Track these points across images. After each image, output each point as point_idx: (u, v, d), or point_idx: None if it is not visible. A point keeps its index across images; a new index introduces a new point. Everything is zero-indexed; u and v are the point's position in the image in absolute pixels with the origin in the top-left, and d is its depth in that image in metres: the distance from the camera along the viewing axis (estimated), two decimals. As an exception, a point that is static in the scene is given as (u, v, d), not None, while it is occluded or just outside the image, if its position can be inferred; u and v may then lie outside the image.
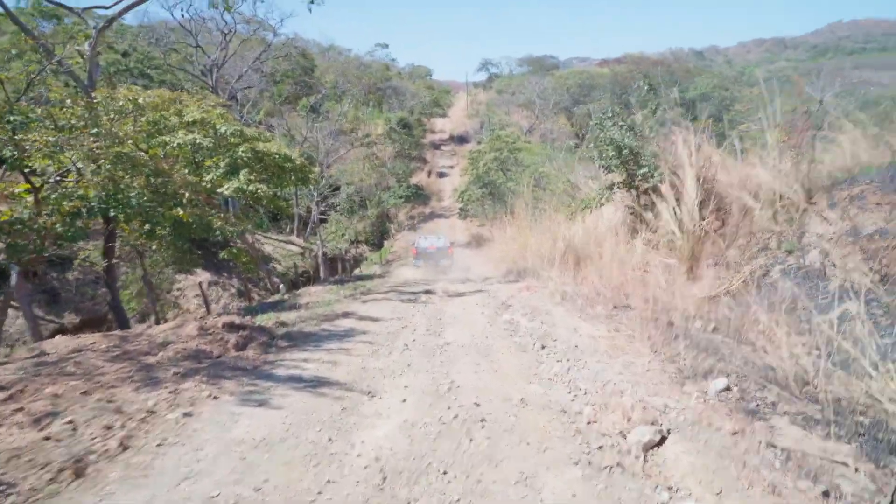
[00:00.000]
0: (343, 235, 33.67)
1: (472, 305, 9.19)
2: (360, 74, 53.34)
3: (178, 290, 26.85)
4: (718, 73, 62.56)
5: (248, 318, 7.64)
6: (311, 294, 11.97)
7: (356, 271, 28.72)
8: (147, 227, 8.35)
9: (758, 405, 3.25)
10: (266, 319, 8.27)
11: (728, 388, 3.55)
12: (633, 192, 9.99)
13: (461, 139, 61.67)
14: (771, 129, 7.98)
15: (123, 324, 10.62)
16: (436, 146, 60.56)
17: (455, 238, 31.47)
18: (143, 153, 9.12)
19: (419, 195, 43.18)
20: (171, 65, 29.37)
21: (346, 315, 8.86)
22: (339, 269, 27.04)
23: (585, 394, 4.08)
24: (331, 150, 30.47)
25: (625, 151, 9.36)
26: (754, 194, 7.71)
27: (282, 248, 31.62)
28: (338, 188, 35.31)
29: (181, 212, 8.42)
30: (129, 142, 8.64)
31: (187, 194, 8.76)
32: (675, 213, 8.03)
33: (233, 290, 27.15)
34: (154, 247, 11.02)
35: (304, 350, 6.28)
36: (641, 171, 9.17)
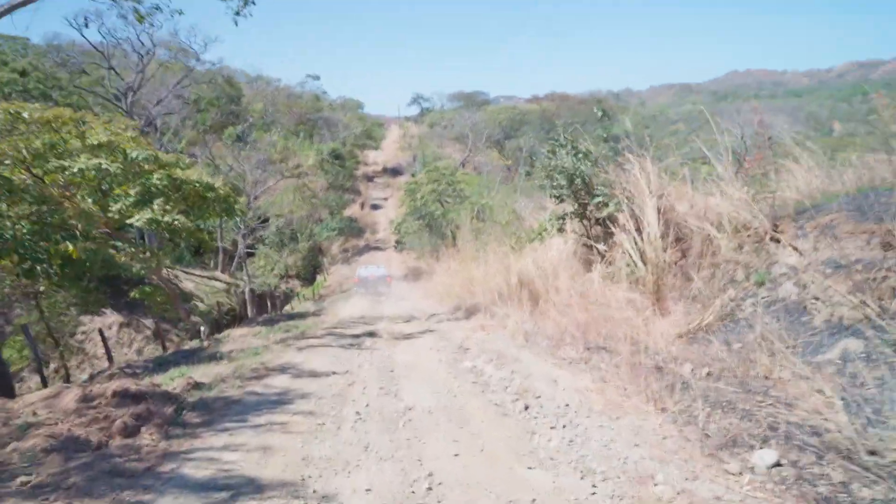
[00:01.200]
0: (272, 270, 31.86)
1: (425, 350, 8.16)
2: (290, 104, 51.97)
3: (84, 333, 24.18)
4: (637, 112, 66.14)
5: (150, 380, 6.33)
6: (236, 339, 10.59)
7: (287, 308, 27.03)
8: (27, 264, 6.88)
9: (830, 489, 2.60)
10: (175, 379, 6.90)
11: (779, 464, 2.90)
12: (586, 222, 9.58)
13: (394, 171, 61.36)
14: (724, 159, 7.76)
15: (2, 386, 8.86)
16: (369, 178, 59.83)
17: (392, 271, 30.53)
18: (25, 177, 7.70)
19: (353, 228, 42.02)
20: (80, 87, 27.02)
21: (278, 370, 7.46)
22: (268, 306, 25.30)
23: (605, 480, 3.19)
24: (259, 180, 28.92)
25: (577, 180, 8.93)
26: (716, 224, 7.39)
27: (205, 285, 29.37)
28: (266, 220, 33.57)
29: (70, 247, 7.03)
30: (7, 162, 7.24)
31: (80, 226, 7.39)
32: (635, 244, 7.57)
33: (148, 333, 24.71)
34: (42, 288, 9.37)
35: (223, 429, 4.76)
36: (595, 201, 8.75)
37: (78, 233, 7.27)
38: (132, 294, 14.90)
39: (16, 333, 19.69)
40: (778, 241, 6.75)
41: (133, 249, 14.41)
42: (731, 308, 6.49)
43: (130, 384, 4.79)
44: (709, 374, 4.42)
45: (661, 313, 7.14)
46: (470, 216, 17.90)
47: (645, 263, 7.46)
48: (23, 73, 25.87)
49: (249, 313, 24.41)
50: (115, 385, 4.67)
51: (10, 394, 8.63)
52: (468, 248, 14.09)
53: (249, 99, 54.66)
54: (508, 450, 4.00)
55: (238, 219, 26.14)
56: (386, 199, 53.70)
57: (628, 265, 8.03)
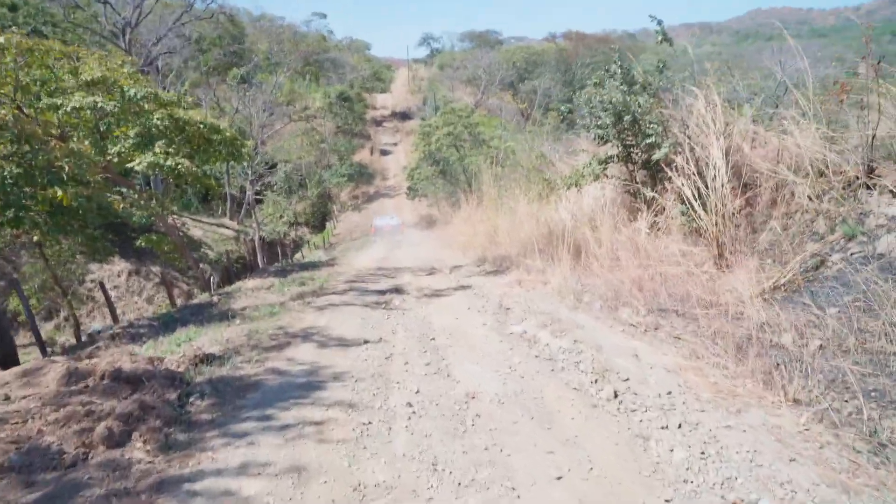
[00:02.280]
0: (281, 217, 31.10)
1: (462, 310, 7.15)
2: (296, 43, 49.77)
3: (93, 281, 23.84)
4: (658, 51, 63.01)
5: (150, 351, 5.58)
6: (249, 293, 9.84)
7: (297, 256, 26.46)
8: (10, 212, 6.07)
9: None
10: (181, 345, 6.11)
11: None
12: (630, 166, 8.64)
13: (404, 115, 59.53)
14: (807, 92, 6.72)
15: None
16: (378, 123, 58.10)
17: (405, 219, 29.75)
18: (4, 113, 6.81)
19: (363, 174, 40.92)
20: (75, 22, 25.51)
21: (300, 337, 6.41)
22: (278, 254, 24.70)
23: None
24: (265, 124, 27.73)
25: (626, 118, 7.93)
26: (793, 168, 6.44)
27: (213, 232, 28.78)
28: (274, 166, 32.56)
29: (59, 192, 6.21)
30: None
31: (69, 168, 6.57)
32: (697, 190, 6.67)
33: (157, 280, 24.36)
34: (35, 237, 8.66)
35: (239, 433, 3.69)
36: (646, 141, 7.77)
37: (65, 176, 6.45)
38: (138, 242, 14.20)
39: (25, 281, 19.30)
40: (871, 187, 5.85)
41: (136, 196, 13.65)
42: (813, 264, 5.67)
43: (125, 361, 4.02)
44: (821, 347, 3.65)
45: (724, 269, 6.34)
46: (491, 161, 16.88)
47: (707, 212, 6.58)
48: (12, 8, 24.35)
49: (260, 262, 23.87)
50: (106, 363, 3.91)
51: (15, 362, 8.08)
52: (490, 195, 13.17)
53: (253, 39, 52.44)
54: (624, 468, 3.06)
55: (245, 163, 25.19)
56: (395, 144, 52.24)
57: (684, 214, 7.16)
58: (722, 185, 6.45)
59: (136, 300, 23.95)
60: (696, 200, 6.67)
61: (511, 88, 55.02)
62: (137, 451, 3.18)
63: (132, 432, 3.29)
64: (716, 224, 6.47)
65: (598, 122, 8.26)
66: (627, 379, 3.80)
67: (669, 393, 3.47)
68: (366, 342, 6.10)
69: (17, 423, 3.00)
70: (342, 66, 57.52)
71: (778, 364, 3.47)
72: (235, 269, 25.69)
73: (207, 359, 5.19)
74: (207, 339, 6.39)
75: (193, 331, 7.05)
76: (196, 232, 27.98)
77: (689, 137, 7.03)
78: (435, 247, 17.09)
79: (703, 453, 3.03)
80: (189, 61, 43.67)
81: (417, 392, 4.43)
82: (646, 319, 5.04)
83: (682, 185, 6.88)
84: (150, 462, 3.14)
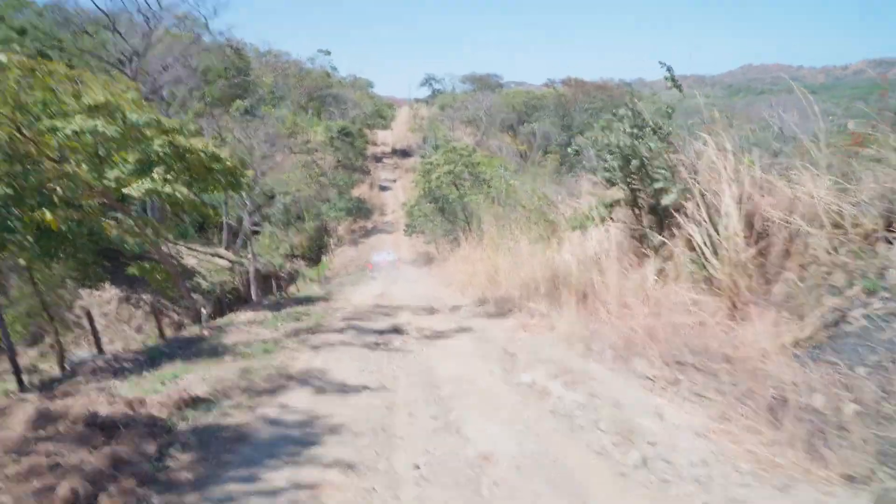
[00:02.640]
0: (278, 249, 30.87)
1: (466, 355, 6.82)
2: (300, 78, 50.60)
3: (81, 307, 23.34)
4: (654, 101, 64.37)
5: (132, 392, 5.08)
6: (241, 326, 9.45)
7: (292, 289, 26.12)
8: None
9: None
10: (166, 383, 5.69)
11: None
12: (636, 210, 8.51)
13: (404, 153, 60.24)
14: (819, 142, 6.64)
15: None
16: (378, 159, 58.72)
17: (402, 255, 29.63)
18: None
19: (361, 208, 40.94)
20: (83, 48, 25.78)
21: (296, 380, 6.01)
22: (273, 287, 24.35)
23: None
24: (267, 155, 27.79)
25: (634, 162, 7.83)
26: (808, 219, 6.29)
27: (208, 262, 28.44)
28: (273, 197, 32.49)
29: (48, 215, 5.95)
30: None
31: (60, 191, 6.33)
32: (708, 237, 6.50)
33: (147, 309, 23.88)
34: (22, 261, 8.38)
35: (220, 496, 3.28)
36: (654, 186, 7.65)
37: (56, 199, 6.21)
38: (129, 270, 13.89)
39: (11, 306, 18.83)
40: (891, 241, 5.69)
41: (132, 222, 13.42)
42: (833, 319, 5.46)
43: (102, 403, 3.69)
44: (860, 413, 3.39)
45: (739, 320, 6.11)
46: (492, 200, 16.82)
47: (719, 260, 6.39)
48: (21, 32, 24.64)
49: (253, 293, 23.48)
50: (81, 405, 3.58)
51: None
52: (491, 234, 13.02)
53: (259, 73, 53.30)
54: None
55: (244, 194, 25.11)
56: (395, 180, 52.60)
57: (694, 262, 6.97)
58: (735, 233, 6.29)
59: (124, 328, 23.44)
60: (707, 248, 6.50)
61: (510, 130, 55.87)
62: (103, 522, 2.76)
63: (99, 494, 2.80)
64: (728, 273, 6.28)
65: (605, 166, 8.16)
66: (654, 443, 3.48)
67: (704, 462, 3.17)
68: (365, 388, 5.72)
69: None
70: (345, 101, 58.37)
71: (817, 431, 3.20)
72: (228, 300, 25.27)
73: (193, 402, 4.79)
74: (195, 377, 5.95)
75: (181, 367, 6.66)
76: (190, 261, 27.65)
77: (698, 183, 6.90)
78: (433, 284, 16.84)
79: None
80: (194, 91, 44.17)
81: (426, 452, 3.98)
82: (662, 373, 4.76)
83: (693, 231, 6.71)
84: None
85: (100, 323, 22.89)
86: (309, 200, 35.44)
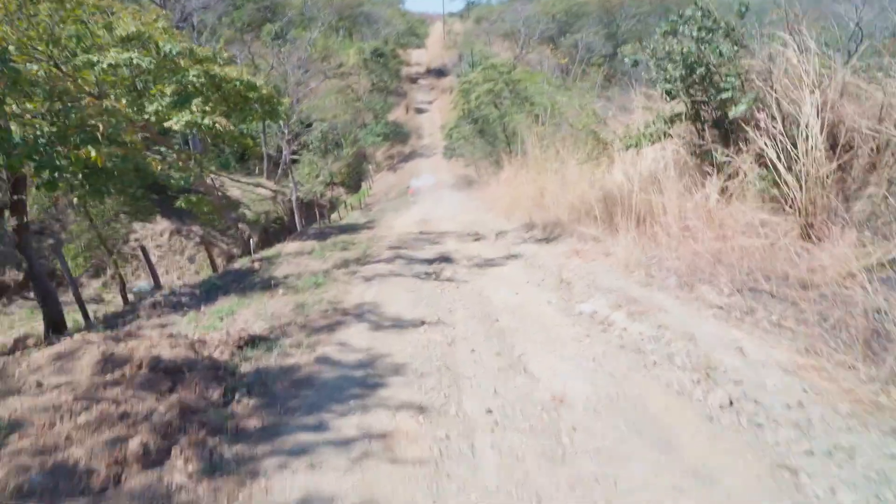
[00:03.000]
0: (317, 177, 30.90)
1: (520, 284, 6.54)
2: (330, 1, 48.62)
3: (136, 240, 24.26)
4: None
5: (194, 333, 5.14)
6: (290, 258, 9.57)
7: (333, 217, 26.33)
8: (45, 174, 5.78)
9: None
10: (224, 319, 5.80)
11: None
12: (700, 125, 7.89)
13: (439, 72, 57.99)
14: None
15: (46, 298, 8.26)
16: (413, 80, 56.80)
17: (442, 178, 29.26)
18: (36, 68, 6.51)
19: (398, 133, 40.19)
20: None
21: (352, 314, 5.90)
22: (315, 215, 24.57)
23: None
24: (301, 81, 27.21)
25: (699, 70, 7.15)
26: (901, 127, 5.65)
27: (251, 192, 28.83)
28: (310, 125, 32.17)
29: (93, 152, 5.89)
30: (11, 47, 6.01)
31: (102, 127, 6.25)
32: (784, 151, 5.95)
33: (197, 239, 24.60)
34: (75, 199, 8.52)
35: (295, 449, 3.15)
36: (721, 97, 7.00)
37: (100, 135, 6.14)
38: (177, 203, 14.12)
39: (70, 240, 19.71)
40: None
41: (175, 156, 13.48)
42: (925, 239, 4.98)
43: (164, 347, 3.64)
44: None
45: (814, 242, 5.68)
46: (535, 119, 16.06)
47: (794, 176, 5.87)
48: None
49: (297, 222, 23.80)
50: (144, 349, 3.58)
51: (62, 328, 8.04)
52: (536, 155, 12.49)
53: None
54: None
55: (282, 122, 24.89)
56: (431, 102, 51.07)
57: (763, 178, 6.45)
58: (815, 146, 5.72)
59: (178, 259, 24.33)
60: (781, 163, 5.96)
61: (551, 43, 52.72)
62: (178, 473, 2.69)
63: (171, 447, 2.83)
64: (805, 190, 5.78)
65: (666, 76, 7.49)
66: (739, 381, 3.23)
67: (800, 404, 2.93)
68: (423, 323, 5.53)
69: (43, 427, 2.70)
70: (376, 20, 56.02)
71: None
72: (273, 230, 25.78)
73: (253, 341, 4.76)
74: (251, 312, 6.05)
75: (236, 301, 6.73)
76: (234, 192, 28.07)
77: (774, 91, 6.24)
78: (475, 209, 16.56)
79: (878, 498, 2.36)
80: (223, 17, 43.13)
81: (495, 393, 3.80)
82: (734, 301, 4.47)
83: (766, 145, 6.15)
84: (192, 491, 2.63)
85: (154, 254, 23.86)
86: (345, 126, 34.97)
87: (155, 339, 3.82)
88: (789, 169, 5.85)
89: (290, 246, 11.62)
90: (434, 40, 69.55)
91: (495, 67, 21.20)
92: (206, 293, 7.59)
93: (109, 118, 6.41)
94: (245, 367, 4.32)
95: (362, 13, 55.84)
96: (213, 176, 27.83)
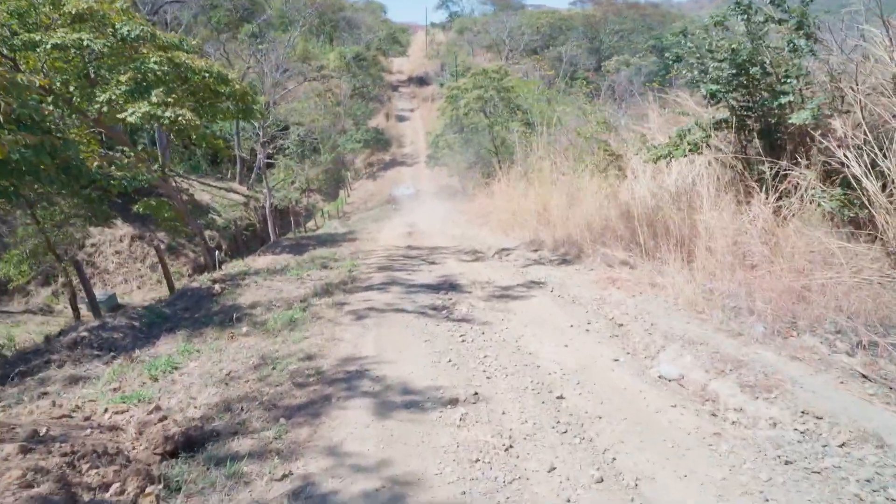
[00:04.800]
0: (293, 183, 29.38)
1: (563, 329, 5.01)
2: (311, 1, 47.29)
3: (93, 245, 22.39)
4: (694, 18, 59.43)
5: (91, 422, 3.09)
6: (260, 278, 7.96)
7: (310, 224, 24.86)
8: None
9: None
10: (158, 378, 4.17)
11: None
12: (744, 133, 6.86)
13: (421, 81, 57.11)
14: None
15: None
16: (394, 88, 55.69)
17: (423, 189, 28.14)
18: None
19: (379, 140, 38.90)
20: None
21: (341, 383, 4.10)
22: (290, 223, 23.08)
23: None
24: (278, 82, 25.74)
25: (753, 69, 6.11)
26: None
27: (222, 197, 27.13)
28: (287, 128, 30.67)
29: (-9, 141, 4.49)
30: None
31: (3, 105, 4.83)
32: (873, 166, 4.90)
33: (162, 246, 22.85)
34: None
35: None
36: (780, 101, 5.96)
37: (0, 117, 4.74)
38: (135, 207, 12.60)
39: (16, 246, 17.83)
40: None
41: (134, 155, 11.99)
42: None
43: (39, 478, 2.17)
44: None
45: (914, 277, 4.61)
46: (529, 127, 15.01)
47: (889, 197, 4.81)
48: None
49: (271, 230, 22.26)
50: (17, 468, 2.13)
51: None
52: (540, 167, 11.38)
53: (267, -3, 49.93)
54: None
55: (257, 124, 23.40)
56: (412, 110, 50.04)
57: (835, 199, 5.39)
58: (914, 163, 4.68)
59: (138, 267, 22.50)
60: (870, 180, 4.90)
61: (534, 55, 52.27)
62: None
63: None
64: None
65: (711, 76, 6.42)
66: None
67: None
68: (455, 402, 3.73)
69: None
70: (357, 26, 54.77)
71: None
72: (245, 237, 24.15)
73: (189, 444, 2.94)
74: (199, 370, 4.38)
75: (182, 346, 5.07)
76: (203, 196, 26.34)
77: (857, 93, 5.21)
78: (465, 222, 15.35)
79: None
80: (199, 16, 41.40)
81: None
82: (867, 361, 3.33)
83: (846, 157, 5.09)
84: None
85: (112, 262, 22.00)
86: (324, 131, 33.54)
87: (39, 424, 2.35)
88: (883, 188, 4.80)
89: (261, 260, 10.21)
90: (416, 49, 68.76)
91: (486, 73, 20.13)
92: (149, 327, 6.03)
93: (17, 94, 4.96)
94: (193, 474, 2.79)
95: (344, 18, 54.62)
96: (179, 179, 26.13)
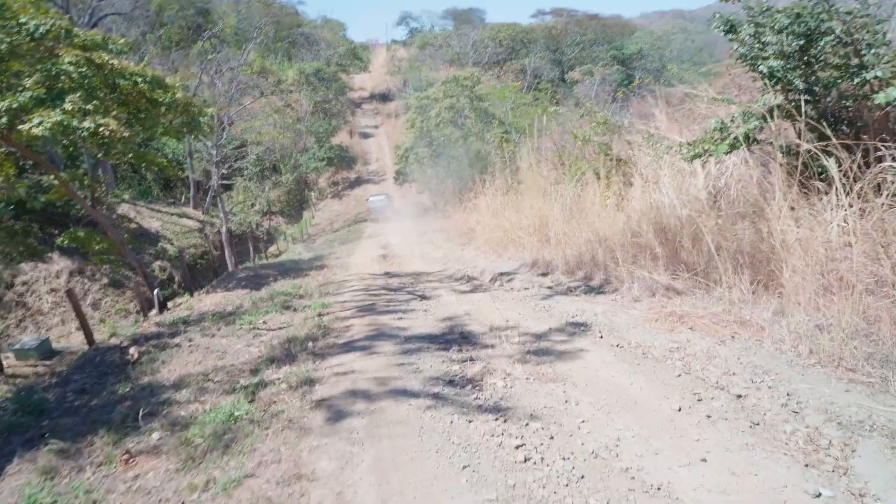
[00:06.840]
0: (253, 206, 27.44)
1: (673, 416, 3.07)
2: (266, 4, 45.67)
3: (24, 283, 19.99)
4: (648, 35, 59.93)
5: None
6: (200, 331, 5.84)
7: (272, 249, 22.97)
8: None
9: None
10: None
11: None
12: (798, 121, 5.60)
13: (384, 97, 56.03)
14: None
15: None
16: (357, 104, 54.33)
17: (394, 206, 26.67)
18: None
19: (343, 158, 37.26)
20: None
21: None
22: (250, 249, 21.16)
23: None
24: (234, 97, 23.90)
25: (824, 40, 4.87)
26: None
27: (174, 224, 24.94)
28: (243, 146, 28.76)
29: None
30: None
31: None
32: None
33: (105, 281, 20.62)
34: None
35: None
36: (865, 76, 4.71)
37: None
38: (59, 239, 10.71)
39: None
40: None
41: (53, 175, 10.12)
42: None
43: None
44: None
45: None
46: (507, 135, 13.74)
47: None
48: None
49: (228, 259, 20.31)
50: None
51: None
52: (534, 177, 10.01)
53: (220, 13, 47.98)
54: None
55: (210, 143, 21.51)
56: (376, 126, 48.77)
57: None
58: None
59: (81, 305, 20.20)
60: None
61: (497, 66, 51.75)
62: None
63: None
64: None
65: (767, 53, 5.15)
66: None
67: None
68: None
69: None
70: (317, 42, 53.20)
71: None
72: (199, 267, 22.10)
73: None
74: None
75: (28, 496, 2.94)
76: (153, 223, 24.15)
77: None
78: (444, 242, 13.86)
79: None
80: (148, 35, 39.22)
81: None
82: None
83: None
84: None
85: (47, 301, 19.59)
86: (285, 150, 31.73)
87: None
88: None
89: (208, 299, 8.43)
90: (378, 66, 67.73)
91: (457, 81, 18.86)
92: (7, 433, 3.79)
93: None
94: None
95: (302, 34, 53.05)
96: (126, 205, 23.92)
